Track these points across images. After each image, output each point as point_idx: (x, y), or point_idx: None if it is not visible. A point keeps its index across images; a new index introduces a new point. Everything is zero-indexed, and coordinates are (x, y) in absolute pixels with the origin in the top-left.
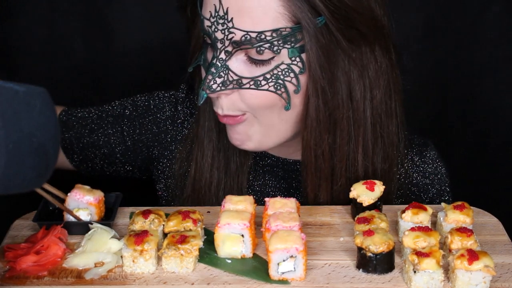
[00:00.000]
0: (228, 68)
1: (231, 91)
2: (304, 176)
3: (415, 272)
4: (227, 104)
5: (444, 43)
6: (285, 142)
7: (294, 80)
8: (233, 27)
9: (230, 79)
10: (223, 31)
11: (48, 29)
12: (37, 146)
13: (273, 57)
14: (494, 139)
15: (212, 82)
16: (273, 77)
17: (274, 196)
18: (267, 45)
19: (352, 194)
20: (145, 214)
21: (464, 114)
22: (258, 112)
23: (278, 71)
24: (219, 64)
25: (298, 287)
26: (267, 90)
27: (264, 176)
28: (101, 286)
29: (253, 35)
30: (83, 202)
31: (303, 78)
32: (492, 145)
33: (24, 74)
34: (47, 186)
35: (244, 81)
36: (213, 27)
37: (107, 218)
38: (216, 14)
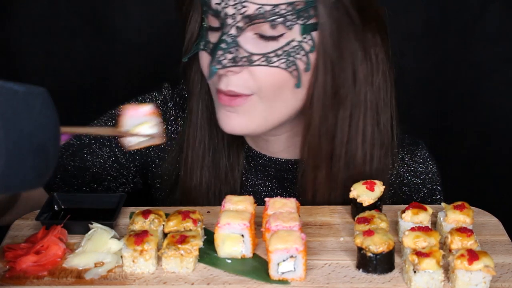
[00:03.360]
0: (238, 45)
1: (241, 69)
2: (305, 155)
3: (415, 272)
4: (235, 82)
5: (444, 43)
6: (276, 130)
7: (304, 58)
8: (246, 0)
9: (240, 55)
10: (234, 6)
11: (48, 29)
12: (37, 146)
13: (283, 34)
14: (494, 139)
15: (222, 58)
16: (284, 54)
17: (266, 195)
18: (281, 19)
19: (352, 194)
20: (145, 214)
21: (464, 114)
22: (265, 91)
23: (289, 48)
24: (230, 40)
25: (298, 287)
26: (278, 67)
27: (256, 175)
28: (101, 286)
29: (268, 8)
30: (140, 116)
31: (312, 57)
32: (492, 145)
33: (24, 74)
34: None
35: (255, 57)
36: (223, 3)
37: (109, 218)
38: None
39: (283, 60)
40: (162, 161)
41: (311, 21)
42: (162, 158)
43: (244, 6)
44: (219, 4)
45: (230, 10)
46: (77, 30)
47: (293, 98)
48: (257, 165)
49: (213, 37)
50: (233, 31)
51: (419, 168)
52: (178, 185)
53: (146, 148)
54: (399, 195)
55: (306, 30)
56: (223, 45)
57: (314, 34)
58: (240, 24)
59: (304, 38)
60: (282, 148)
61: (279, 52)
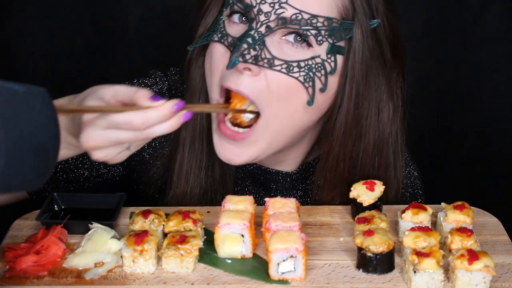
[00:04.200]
0: (264, 44)
1: (259, 71)
2: (322, 178)
3: (415, 272)
4: (247, 83)
5: (444, 43)
6: (278, 152)
7: (323, 78)
8: (286, 2)
9: (263, 56)
10: (272, 4)
11: (48, 29)
12: (37, 146)
13: (310, 48)
14: (494, 139)
15: (246, 51)
16: (306, 68)
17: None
18: (314, 32)
19: (352, 194)
20: (145, 214)
21: (464, 114)
22: (276, 103)
23: (312, 64)
24: (257, 37)
25: (298, 287)
26: (296, 78)
27: (244, 181)
28: (101, 286)
29: (306, 16)
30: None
31: (331, 79)
32: (492, 145)
33: (24, 74)
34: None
35: (277, 62)
36: None
37: (109, 218)
38: None
39: (303, 73)
40: (150, 164)
41: (340, 43)
42: (152, 156)
43: (282, 7)
44: None
45: (265, 7)
46: (77, 30)
47: (302, 116)
48: (246, 171)
49: (233, 30)
50: (262, 29)
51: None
52: (166, 189)
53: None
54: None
55: (333, 50)
56: (249, 40)
57: (339, 57)
58: (272, 24)
59: (329, 57)
60: (274, 162)
61: (302, 64)
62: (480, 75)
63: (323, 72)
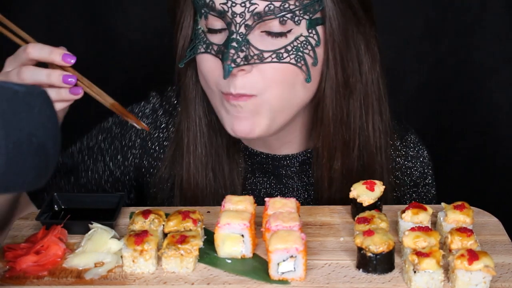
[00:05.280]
0: (249, 43)
1: (251, 68)
2: (320, 146)
3: (415, 272)
4: (243, 83)
5: (444, 43)
6: (280, 130)
7: (311, 53)
8: None
9: (251, 53)
10: (243, 4)
11: (48, 29)
12: (37, 146)
13: (291, 30)
14: (494, 139)
15: (235, 56)
16: (293, 49)
17: (266, 193)
18: (289, 15)
19: (352, 194)
20: (145, 214)
21: (464, 114)
22: (275, 89)
23: (298, 43)
24: (240, 39)
25: (298, 287)
26: (288, 62)
27: (253, 174)
28: (101, 286)
29: (277, 4)
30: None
31: (318, 51)
32: (492, 145)
33: None
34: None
35: (266, 55)
36: (230, 2)
37: (109, 218)
38: None
39: (292, 56)
40: (156, 169)
41: (317, 15)
42: (156, 167)
43: (253, 4)
44: (225, 3)
45: (238, 9)
46: (77, 30)
47: (303, 94)
48: (254, 163)
49: (215, 38)
50: (242, 30)
51: (410, 152)
52: (174, 192)
53: (138, 160)
54: (392, 180)
55: (312, 24)
56: (234, 44)
57: (319, 28)
58: (249, 22)
59: (310, 32)
60: (279, 145)
61: (289, 48)
62: (480, 75)
63: (309, 47)
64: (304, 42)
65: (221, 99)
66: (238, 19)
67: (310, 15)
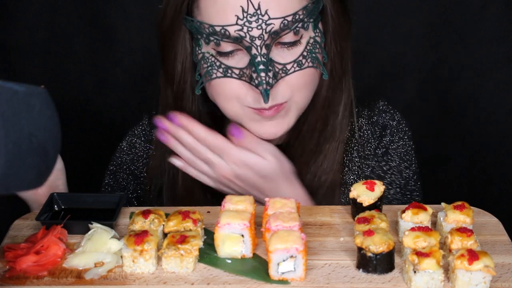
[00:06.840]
0: (272, 60)
1: (278, 82)
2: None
3: (415, 272)
4: (273, 96)
5: (444, 42)
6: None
7: (320, 50)
8: (270, 18)
9: (276, 69)
10: (259, 27)
11: (48, 29)
12: (37, 146)
13: (302, 35)
14: (494, 139)
15: (267, 78)
16: (308, 53)
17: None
18: (300, 24)
19: (352, 194)
20: (145, 214)
21: (464, 114)
22: (300, 93)
23: (310, 46)
24: (264, 60)
25: (298, 287)
26: (307, 67)
27: None
28: (101, 286)
29: (289, 18)
30: None
31: (323, 45)
32: (492, 145)
33: (24, 74)
34: None
35: (288, 66)
36: (245, 28)
37: (109, 218)
38: (246, 14)
39: (309, 59)
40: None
41: (316, 14)
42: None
43: (269, 24)
44: (240, 30)
45: (255, 32)
46: (77, 30)
47: (318, 87)
48: None
49: (230, 61)
50: (264, 50)
51: (380, 120)
52: (162, 191)
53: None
54: (364, 146)
55: (316, 24)
56: (261, 67)
57: (320, 25)
58: (268, 42)
59: (316, 32)
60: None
61: (305, 54)
62: (480, 75)
63: (318, 46)
64: (314, 43)
65: (251, 112)
66: (257, 42)
67: (314, 17)
